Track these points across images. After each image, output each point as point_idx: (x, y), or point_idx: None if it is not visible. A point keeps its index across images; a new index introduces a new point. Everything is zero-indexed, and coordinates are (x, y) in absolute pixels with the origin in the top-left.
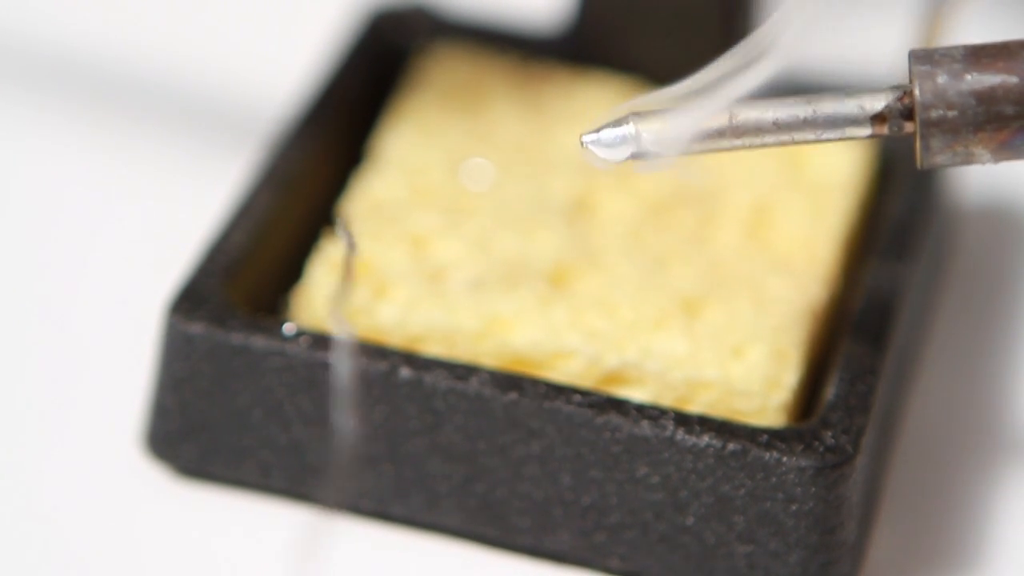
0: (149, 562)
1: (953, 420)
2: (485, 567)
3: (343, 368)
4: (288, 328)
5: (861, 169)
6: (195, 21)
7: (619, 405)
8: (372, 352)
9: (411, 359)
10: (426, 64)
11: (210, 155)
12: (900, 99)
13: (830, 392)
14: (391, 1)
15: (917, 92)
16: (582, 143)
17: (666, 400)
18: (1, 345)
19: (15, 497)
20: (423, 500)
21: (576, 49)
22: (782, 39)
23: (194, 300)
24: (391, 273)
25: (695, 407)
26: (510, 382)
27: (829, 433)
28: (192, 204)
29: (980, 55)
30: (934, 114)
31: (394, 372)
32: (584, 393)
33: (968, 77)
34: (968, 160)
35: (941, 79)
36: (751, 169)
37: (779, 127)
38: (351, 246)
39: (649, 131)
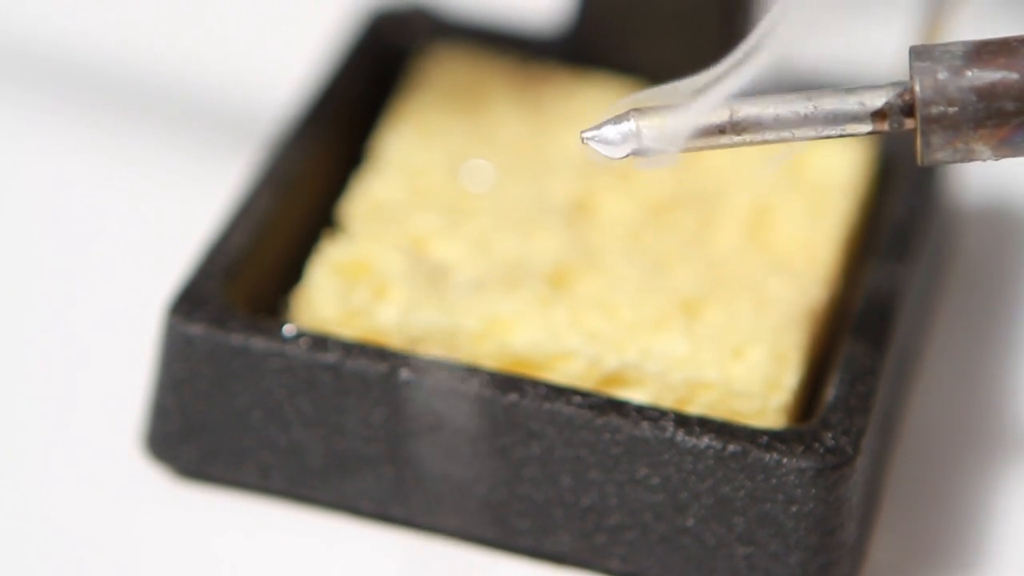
0: (149, 563)
1: (953, 420)
2: (485, 568)
3: None
4: (288, 329)
5: (861, 170)
6: (195, 21)
7: (619, 406)
8: (372, 353)
9: (411, 360)
10: (426, 65)
11: (210, 156)
12: (901, 95)
13: (830, 393)
14: (391, 2)
15: (918, 88)
16: (582, 139)
17: (666, 401)
18: (1, 345)
19: (15, 497)
20: (423, 501)
21: (576, 50)
22: (779, 33)
23: (194, 301)
24: (391, 274)
25: (695, 408)
26: (510, 383)
27: (829, 434)
28: (192, 204)
29: (980, 51)
30: (935, 110)
31: (394, 373)
32: (584, 394)
33: (968, 73)
34: (969, 156)
35: (942, 75)
36: (751, 170)
37: (779, 123)
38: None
39: (650, 127)
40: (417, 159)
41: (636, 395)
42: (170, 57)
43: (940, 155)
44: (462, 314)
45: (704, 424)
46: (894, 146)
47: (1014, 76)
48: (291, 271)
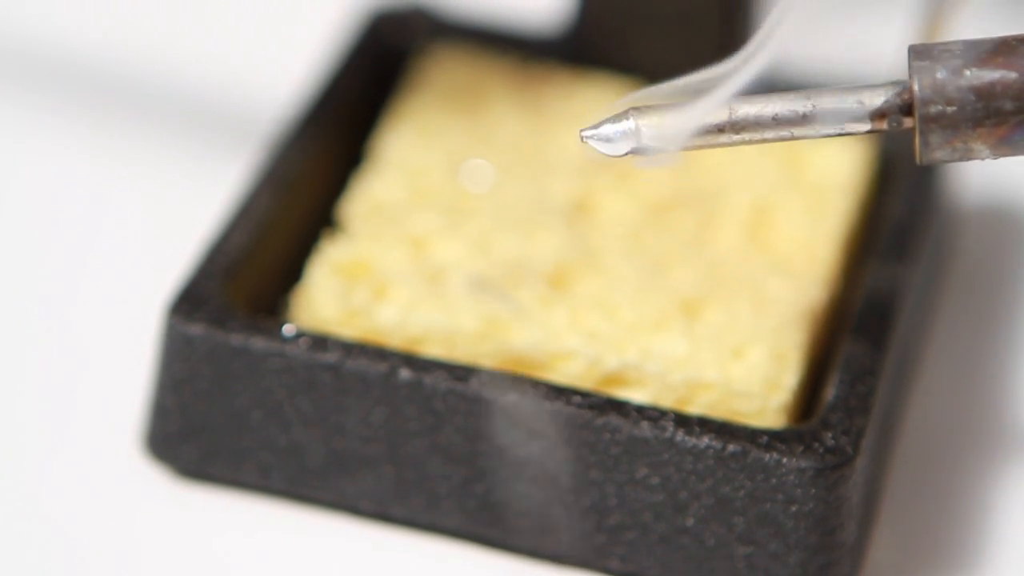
0: (149, 563)
1: (953, 420)
2: (485, 568)
3: None
4: (288, 329)
5: (861, 170)
6: (195, 22)
7: (619, 406)
8: (372, 353)
9: (411, 360)
10: (426, 65)
11: (210, 156)
12: (899, 95)
13: (830, 393)
14: (391, 2)
15: (916, 87)
16: (582, 138)
17: (666, 401)
18: (1, 345)
19: (15, 497)
20: (423, 501)
21: (576, 50)
22: (780, 33)
23: (194, 301)
24: (391, 274)
25: (695, 408)
26: (510, 383)
27: (829, 434)
28: (192, 204)
29: (979, 51)
30: (933, 109)
31: (394, 373)
32: (584, 394)
33: (967, 73)
34: (967, 156)
35: (940, 74)
36: (751, 170)
37: (778, 122)
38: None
39: (649, 126)
40: (417, 159)
41: (636, 395)
42: (170, 57)
43: (939, 154)
44: (462, 314)
45: (704, 424)
46: (894, 146)
47: (1012, 75)
48: (291, 271)
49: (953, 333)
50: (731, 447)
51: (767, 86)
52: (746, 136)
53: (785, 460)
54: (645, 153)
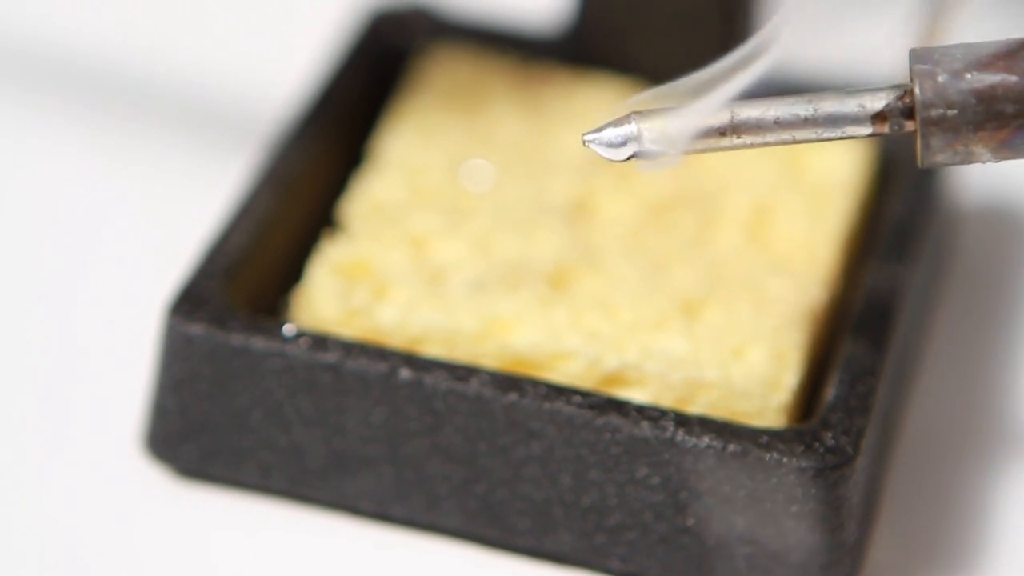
0: (149, 563)
1: (953, 420)
2: (485, 568)
3: None
4: (288, 329)
5: (861, 170)
6: (195, 21)
7: (619, 406)
8: (372, 353)
9: (411, 360)
10: (426, 65)
11: (210, 156)
12: (901, 98)
13: (830, 393)
14: (391, 2)
15: (917, 91)
16: (584, 142)
17: (666, 401)
18: (1, 345)
19: (15, 497)
20: (423, 501)
21: (576, 50)
22: (780, 34)
23: (194, 301)
24: (391, 274)
25: (695, 408)
26: (510, 383)
27: (829, 434)
28: (192, 205)
29: (980, 54)
30: (934, 113)
31: (394, 373)
32: (584, 394)
33: (968, 76)
34: (968, 159)
35: (941, 78)
36: (751, 170)
37: (780, 126)
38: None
39: (650, 130)
40: (417, 159)
41: (636, 395)
42: (170, 57)
43: (940, 157)
44: (462, 314)
45: (704, 424)
46: (894, 146)
47: (1013, 79)
48: (291, 271)
49: (953, 333)
50: (731, 447)
51: (769, 87)
52: (747, 139)
53: (785, 460)
54: (647, 157)
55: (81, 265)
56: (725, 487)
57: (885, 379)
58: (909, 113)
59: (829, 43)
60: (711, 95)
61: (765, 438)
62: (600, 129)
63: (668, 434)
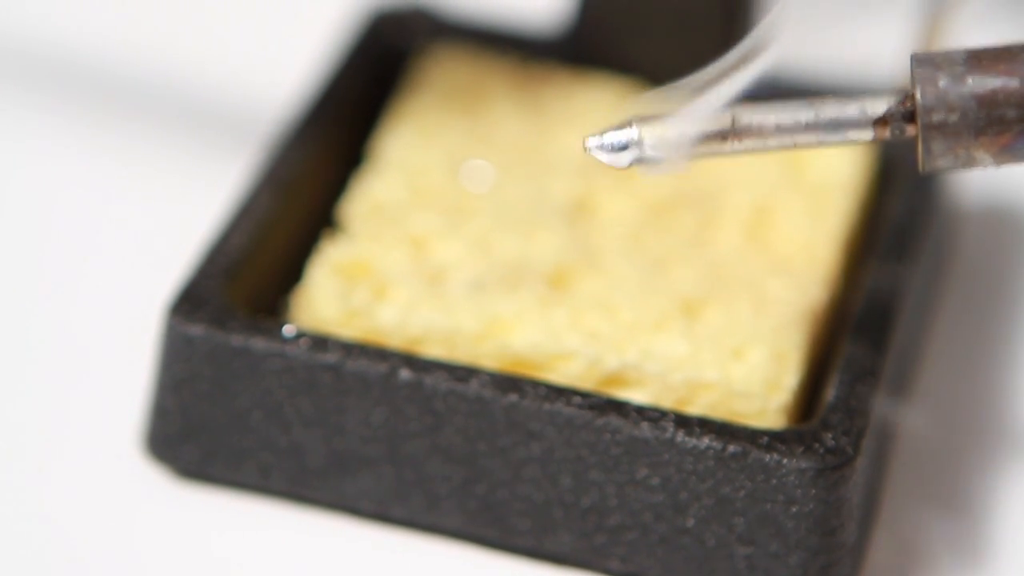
0: (149, 563)
1: (953, 420)
2: (485, 569)
3: None
4: (288, 330)
5: (861, 170)
6: (195, 22)
7: (619, 407)
8: (372, 354)
9: (411, 361)
10: (426, 65)
11: (210, 156)
12: (902, 103)
13: (830, 394)
14: (391, 2)
15: (919, 96)
16: (586, 148)
17: (666, 402)
18: (1, 345)
19: (15, 498)
20: (423, 502)
21: (576, 50)
22: (779, 35)
23: (194, 301)
24: (391, 274)
25: (695, 409)
26: (510, 384)
27: (829, 435)
28: (192, 205)
29: (981, 58)
30: (936, 118)
31: (394, 374)
32: (584, 395)
33: (969, 80)
34: (970, 164)
35: (943, 83)
36: (751, 170)
37: (781, 131)
38: None
39: (652, 136)
40: (417, 159)
41: (636, 395)
42: (170, 58)
43: (941, 162)
44: (462, 314)
45: (704, 425)
46: (894, 147)
47: (1015, 83)
48: (291, 271)
49: (953, 333)
50: (731, 448)
51: (768, 88)
52: (749, 144)
53: (785, 461)
54: (648, 163)
55: (81, 265)
56: (725, 488)
57: (885, 379)
58: (910, 118)
59: (827, 42)
60: (711, 97)
61: (765, 439)
62: (601, 135)
63: (668, 435)
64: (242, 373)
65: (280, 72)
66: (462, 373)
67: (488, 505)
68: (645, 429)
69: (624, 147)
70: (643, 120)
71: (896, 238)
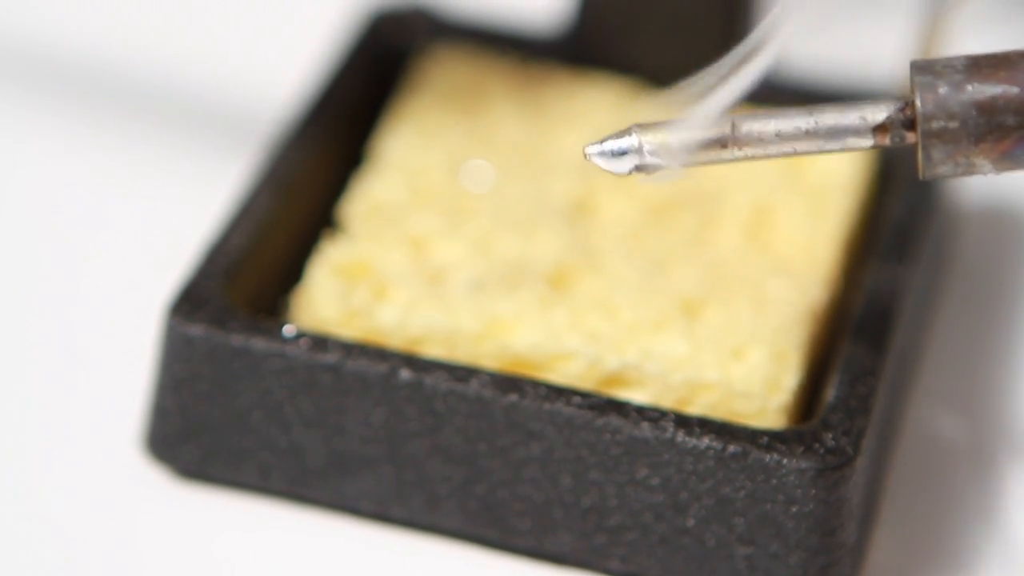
0: (149, 563)
1: (953, 420)
2: (485, 569)
3: None
4: (288, 330)
5: (861, 171)
6: (195, 22)
7: (619, 407)
8: (372, 354)
9: (411, 361)
10: (426, 65)
11: (210, 157)
12: (902, 110)
13: (830, 394)
14: (391, 2)
15: (919, 103)
16: (585, 155)
17: (666, 402)
18: (1, 345)
19: (15, 498)
20: (423, 502)
21: (576, 50)
22: (779, 36)
23: (194, 302)
24: (391, 275)
25: (695, 409)
26: (510, 384)
27: (829, 435)
28: (192, 205)
29: (981, 65)
30: (935, 125)
31: (394, 374)
32: (584, 395)
33: (969, 88)
34: (970, 171)
35: (942, 90)
36: (751, 171)
37: (781, 138)
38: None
39: (652, 142)
40: (417, 159)
41: (636, 396)
42: (170, 58)
43: (941, 169)
44: (462, 315)
45: (704, 425)
46: (893, 148)
47: (1014, 90)
48: (291, 271)
49: (953, 333)
50: (731, 448)
51: (769, 99)
52: (749, 152)
53: (786, 461)
54: (649, 169)
55: (81, 265)
56: (725, 488)
57: (885, 379)
58: (910, 125)
59: (828, 42)
60: (711, 103)
61: (765, 439)
62: (601, 142)
63: (668, 435)
64: (242, 373)
65: (280, 72)
66: (462, 373)
67: (488, 505)
68: (645, 429)
69: (624, 154)
70: (643, 127)
71: (896, 238)
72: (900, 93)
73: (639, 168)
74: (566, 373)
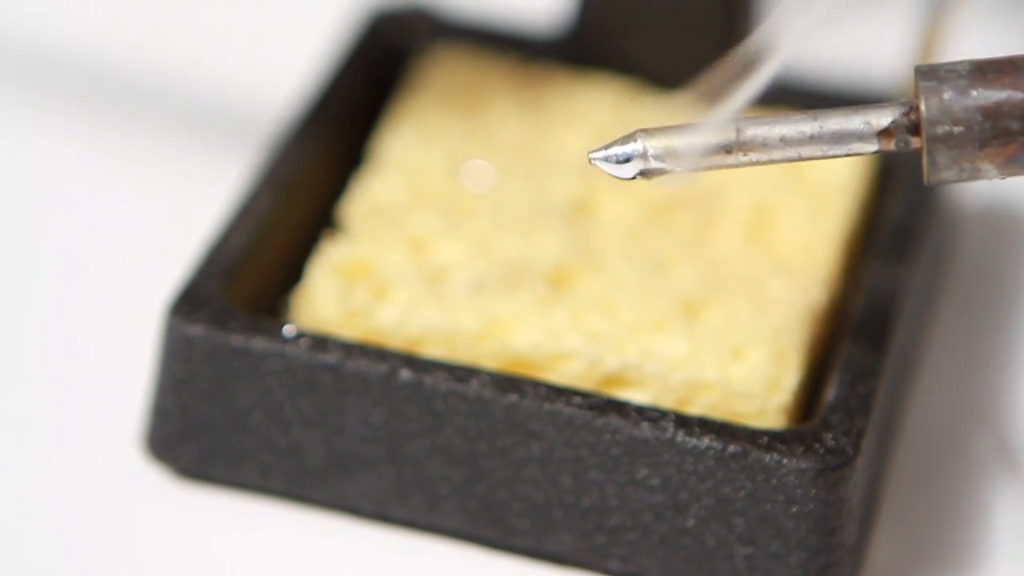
0: (149, 564)
1: (953, 421)
2: (485, 569)
3: None
4: (288, 330)
5: (861, 171)
6: (195, 22)
7: (619, 407)
8: (372, 354)
9: (411, 361)
10: (426, 66)
11: (210, 157)
12: (906, 115)
13: (830, 394)
14: (391, 2)
15: (923, 108)
16: (590, 160)
17: (666, 402)
18: (1, 345)
19: (15, 498)
20: (423, 502)
21: (576, 50)
22: (781, 39)
23: (194, 302)
24: (391, 275)
25: (695, 409)
26: (510, 384)
27: (829, 435)
28: (192, 205)
29: (986, 70)
30: (940, 130)
31: (394, 374)
32: (584, 395)
33: (974, 92)
34: (975, 175)
35: (947, 95)
36: (751, 171)
37: (786, 143)
38: None
39: (656, 147)
40: (417, 160)
41: (636, 396)
42: (170, 58)
43: (946, 174)
44: (462, 315)
45: (704, 425)
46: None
47: (1019, 95)
48: (291, 271)
49: (953, 333)
50: (731, 448)
51: (774, 103)
52: (753, 157)
53: (786, 461)
54: (653, 174)
55: (81, 265)
56: (725, 488)
57: (885, 379)
58: (915, 130)
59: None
60: (716, 108)
61: (765, 439)
62: (606, 147)
63: (668, 435)
64: (242, 373)
65: (280, 72)
66: (462, 373)
67: (488, 505)
68: (645, 429)
69: (628, 159)
70: (647, 132)
71: (896, 238)
72: (902, 94)
73: (644, 173)
74: (566, 373)
